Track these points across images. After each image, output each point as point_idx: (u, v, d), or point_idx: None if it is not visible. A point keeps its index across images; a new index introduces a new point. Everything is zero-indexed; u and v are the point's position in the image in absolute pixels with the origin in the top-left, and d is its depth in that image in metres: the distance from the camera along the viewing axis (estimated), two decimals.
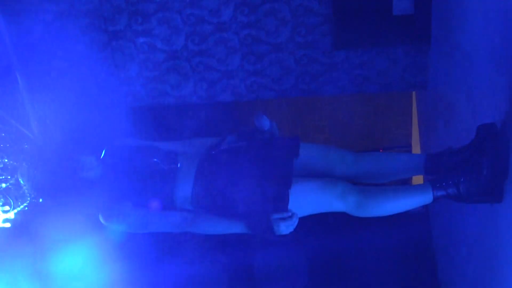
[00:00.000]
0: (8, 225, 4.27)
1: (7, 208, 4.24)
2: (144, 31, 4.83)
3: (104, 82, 5.07)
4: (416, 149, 6.68)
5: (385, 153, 2.47)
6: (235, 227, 2.22)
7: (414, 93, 6.56)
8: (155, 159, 2.31)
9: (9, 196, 4.26)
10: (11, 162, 4.44)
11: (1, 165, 4.38)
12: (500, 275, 2.46)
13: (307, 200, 2.23)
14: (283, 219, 2.16)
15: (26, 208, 4.33)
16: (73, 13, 4.80)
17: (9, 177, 4.34)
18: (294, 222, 2.19)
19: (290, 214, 2.16)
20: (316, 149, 2.42)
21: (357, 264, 5.13)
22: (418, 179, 5.98)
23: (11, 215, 4.26)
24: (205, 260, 5.24)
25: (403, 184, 2.37)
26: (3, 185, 4.28)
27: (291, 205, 2.19)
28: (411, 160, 2.42)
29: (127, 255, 5.17)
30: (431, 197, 2.23)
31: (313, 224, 5.18)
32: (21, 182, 3.81)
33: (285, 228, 2.16)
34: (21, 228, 4.50)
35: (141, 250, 5.20)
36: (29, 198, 4.28)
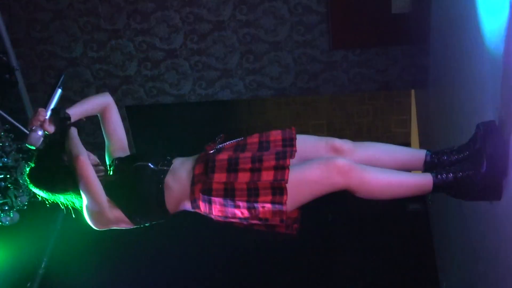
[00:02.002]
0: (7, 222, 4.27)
1: (6, 206, 4.24)
2: (143, 30, 4.83)
3: (103, 81, 5.08)
4: (416, 147, 6.69)
5: (384, 144, 2.45)
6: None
7: (413, 91, 6.56)
8: (149, 163, 2.32)
9: (9, 195, 4.26)
10: (11, 161, 4.44)
11: (0, 164, 4.38)
12: (499, 274, 2.47)
13: (307, 183, 2.20)
14: None
15: (25, 207, 4.34)
16: (72, 12, 4.80)
17: (8, 175, 4.34)
18: None
19: None
20: (312, 141, 2.41)
21: (357, 263, 5.13)
22: None
23: (11, 213, 4.26)
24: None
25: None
26: (3, 183, 4.28)
27: (291, 193, 2.17)
28: (411, 153, 2.42)
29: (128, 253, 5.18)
30: (431, 183, 2.19)
31: (313, 222, 5.20)
32: (20, 180, 3.82)
33: None
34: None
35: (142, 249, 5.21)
36: (28, 196, 4.29)
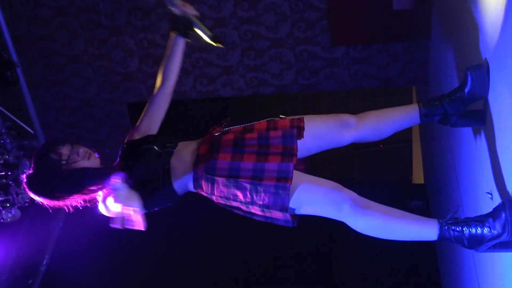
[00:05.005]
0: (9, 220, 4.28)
1: (7, 203, 4.25)
2: (144, 27, 4.83)
3: (104, 78, 5.08)
4: (417, 144, 6.69)
5: (382, 110, 2.54)
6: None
7: (414, 88, 6.56)
8: (154, 146, 2.34)
9: (10, 192, 4.27)
10: (12, 158, 4.45)
11: (2, 161, 4.38)
12: (500, 273, 2.47)
13: (308, 204, 2.25)
14: None
15: (27, 204, 4.34)
16: (73, 9, 4.80)
17: (9, 173, 4.35)
18: None
19: None
20: (320, 122, 2.46)
21: (357, 263, 5.12)
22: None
23: (12, 210, 4.26)
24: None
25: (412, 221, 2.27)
26: (4, 180, 4.29)
27: (292, 200, 2.20)
28: (407, 111, 2.48)
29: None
30: (436, 235, 2.19)
31: (313, 221, 5.19)
32: (21, 178, 3.82)
33: None
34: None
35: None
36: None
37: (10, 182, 4.30)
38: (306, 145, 2.37)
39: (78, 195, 2.29)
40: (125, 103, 5.20)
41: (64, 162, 2.26)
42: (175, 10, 2.47)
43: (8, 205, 4.23)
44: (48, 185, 2.26)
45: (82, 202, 2.32)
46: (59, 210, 2.37)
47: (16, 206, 4.31)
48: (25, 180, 2.29)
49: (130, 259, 5.17)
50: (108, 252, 5.09)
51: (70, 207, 2.33)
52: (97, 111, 5.23)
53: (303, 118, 2.39)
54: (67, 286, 4.95)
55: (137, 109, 5.41)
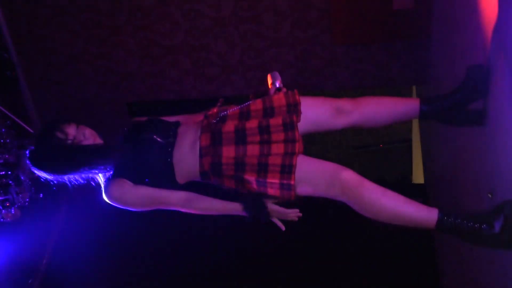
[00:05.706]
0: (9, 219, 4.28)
1: (7, 203, 4.24)
2: (144, 26, 4.83)
3: (104, 77, 5.08)
4: (417, 144, 6.69)
5: (382, 98, 2.53)
6: (232, 206, 2.25)
7: (414, 87, 6.55)
8: (154, 135, 2.32)
9: (10, 191, 4.26)
10: (12, 157, 4.45)
11: (2, 161, 4.38)
12: (500, 273, 2.47)
13: (309, 185, 2.24)
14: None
15: (27, 204, 4.34)
16: (73, 8, 4.80)
17: (9, 172, 4.34)
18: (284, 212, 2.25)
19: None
20: (315, 104, 2.45)
21: (357, 263, 5.12)
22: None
23: (12, 210, 4.26)
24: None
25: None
26: (4, 180, 4.29)
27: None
28: (406, 104, 2.49)
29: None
30: (434, 222, 2.17)
31: (312, 220, 5.20)
32: (22, 177, 3.83)
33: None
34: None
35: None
36: (29, 193, 4.29)
37: (10, 182, 4.29)
38: (301, 127, 2.37)
39: (82, 170, 2.27)
40: (125, 103, 5.20)
41: (69, 142, 2.26)
42: (269, 205, 2.31)
43: (8, 204, 4.23)
44: (52, 159, 2.24)
45: (86, 178, 2.31)
46: (62, 187, 2.35)
47: (16, 206, 4.31)
48: (28, 155, 2.28)
49: (130, 259, 5.17)
50: (108, 251, 5.09)
51: (73, 183, 2.31)
52: (97, 111, 5.23)
53: (298, 98, 2.37)
54: (67, 286, 4.95)
55: (137, 109, 5.42)
